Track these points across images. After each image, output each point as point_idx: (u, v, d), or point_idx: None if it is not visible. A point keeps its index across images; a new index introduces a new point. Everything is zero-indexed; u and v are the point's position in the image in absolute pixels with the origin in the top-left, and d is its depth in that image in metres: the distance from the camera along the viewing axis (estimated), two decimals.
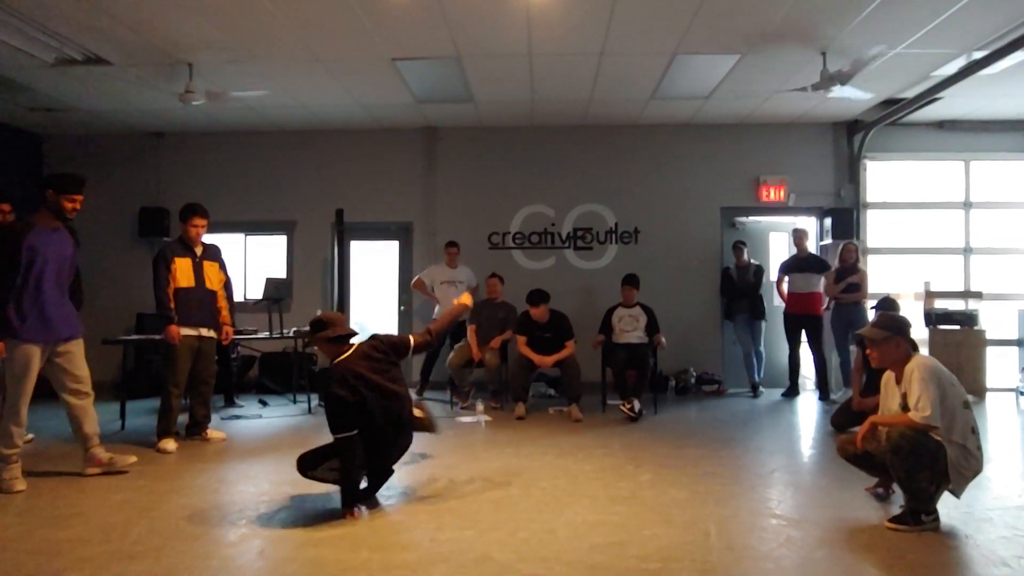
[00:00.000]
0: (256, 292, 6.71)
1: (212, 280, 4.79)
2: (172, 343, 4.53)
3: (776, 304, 7.29)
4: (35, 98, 6.46)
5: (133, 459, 3.99)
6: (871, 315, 6.40)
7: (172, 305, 4.54)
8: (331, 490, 3.63)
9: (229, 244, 6.60)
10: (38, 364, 3.63)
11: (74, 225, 3.87)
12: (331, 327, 3.34)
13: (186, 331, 4.59)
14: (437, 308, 6.79)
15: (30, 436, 4.78)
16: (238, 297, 6.25)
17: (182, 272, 4.62)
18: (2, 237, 3.59)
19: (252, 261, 7.74)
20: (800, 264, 6.78)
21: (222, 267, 4.93)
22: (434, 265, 7.04)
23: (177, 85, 5.69)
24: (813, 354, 6.74)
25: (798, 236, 6.86)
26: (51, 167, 7.81)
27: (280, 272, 7.67)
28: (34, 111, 6.89)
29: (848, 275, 6.56)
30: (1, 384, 3.78)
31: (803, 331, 6.73)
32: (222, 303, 4.86)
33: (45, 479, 3.79)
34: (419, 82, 6.17)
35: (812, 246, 7.14)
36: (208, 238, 4.90)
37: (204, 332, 4.72)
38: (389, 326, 7.81)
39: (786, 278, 6.87)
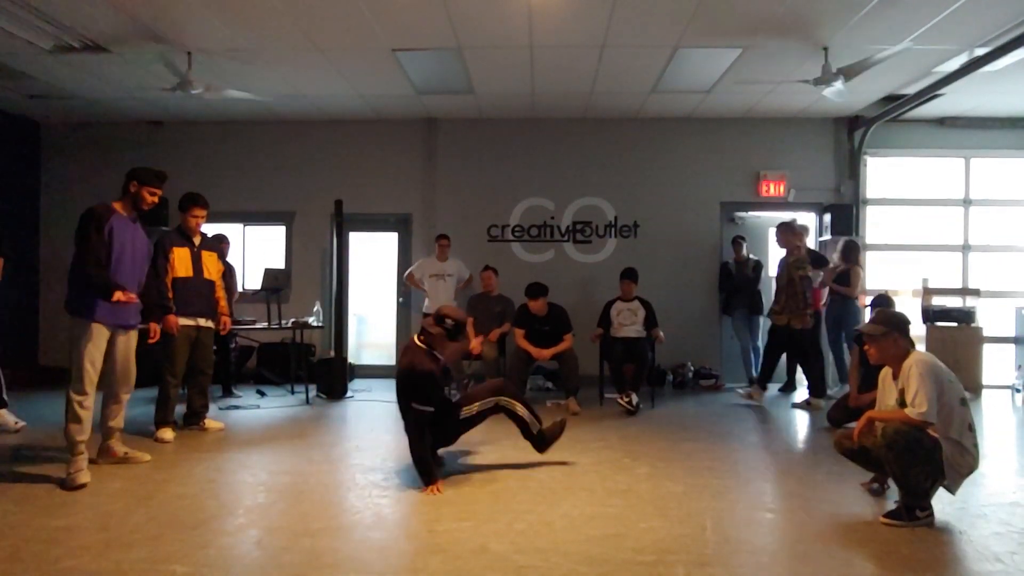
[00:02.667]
0: (255, 282, 6.70)
1: (210, 270, 4.78)
2: (170, 333, 4.53)
3: None
4: (33, 85, 6.42)
5: (147, 457, 3.99)
6: (865, 313, 6.41)
7: (170, 295, 4.53)
8: (329, 481, 3.65)
9: (228, 234, 6.56)
10: (104, 347, 3.67)
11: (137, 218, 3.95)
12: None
13: (184, 321, 4.58)
14: (426, 302, 6.74)
15: (22, 423, 4.80)
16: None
17: (180, 262, 4.61)
18: (87, 218, 3.67)
19: (251, 251, 7.72)
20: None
21: (220, 257, 4.92)
22: (425, 258, 7.01)
23: (176, 74, 5.66)
24: (810, 350, 6.71)
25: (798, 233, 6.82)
26: (49, 155, 7.80)
27: (279, 263, 7.66)
28: (32, 98, 6.86)
29: (844, 279, 6.50)
30: (71, 364, 3.68)
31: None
32: (220, 293, 4.86)
33: (42, 467, 3.79)
34: (419, 73, 6.15)
35: (811, 242, 7.14)
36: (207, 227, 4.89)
37: (202, 322, 4.72)
38: (387, 318, 7.81)
39: None
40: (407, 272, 7.02)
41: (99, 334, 3.62)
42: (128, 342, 3.86)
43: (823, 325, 6.68)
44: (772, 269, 7.26)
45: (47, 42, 5.29)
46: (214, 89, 5.66)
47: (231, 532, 2.85)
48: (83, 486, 3.42)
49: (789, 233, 6.08)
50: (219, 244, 6.23)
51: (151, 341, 4.18)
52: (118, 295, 3.59)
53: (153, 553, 2.60)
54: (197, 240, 4.75)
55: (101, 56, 5.61)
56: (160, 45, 5.39)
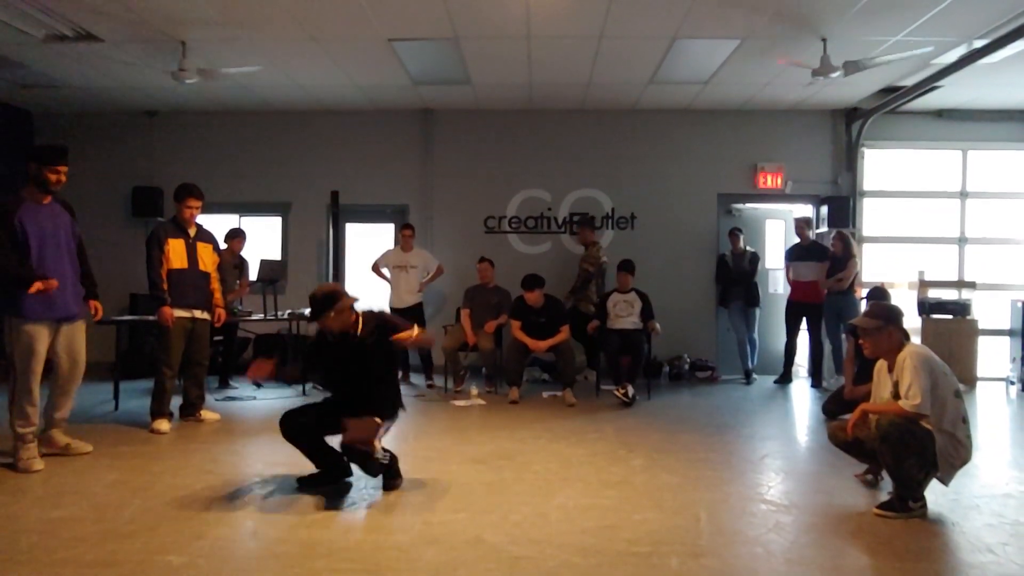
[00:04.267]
0: (251, 274, 6.68)
1: (206, 262, 4.75)
2: (165, 325, 4.51)
3: (771, 291, 7.32)
4: (26, 74, 6.36)
5: (89, 448, 3.91)
6: (862, 305, 6.43)
7: (165, 286, 4.52)
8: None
9: (224, 225, 6.54)
10: (46, 342, 3.59)
11: (63, 197, 3.76)
12: (345, 295, 3.31)
13: (179, 313, 4.56)
14: (390, 293, 6.70)
15: None
16: None
17: (175, 253, 4.58)
18: None
19: (247, 242, 7.69)
20: (803, 252, 6.78)
21: (215, 249, 4.90)
22: (390, 249, 6.90)
23: (170, 63, 5.62)
24: (810, 341, 6.76)
25: (799, 225, 6.86)
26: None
27: (275, 254, 7.64)
28: (25, 88, 6.80)
29: (839, 267, 6.56)
30: (10, 363, 3.66)
31: (804, 319, 6.75)
32: (215, 285, 4.84)
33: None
34: (416, 63, 6.11)
35: (809, 234, 7.14)
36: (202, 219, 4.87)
37: (197, 314, 4.70)
38: (383, 309, 7.79)
39: (790, 267, 6.87)
40: (373, 263, 6.86)
41: (35, 333, 3.52)
42: (73, 333, 3.72)
43: (823, 316, 6.70)
44: (769, 261, 7.28)
45: (39, 31, 5.24)
46: (208, 76, 5.58)
47: (227, 523, 2.86)
48: (38, 471, 3.49)
49: (587, 229, 6.86)
50: (232, 239, 6.27)
51: (96, 319, 3.97)
52: (37, 285, 3.43)
53: (149, 544, 2.60)
54: (192, 231, 4.72)
55: (94, 45, 5.56)
56: (154, 34, 5.34)
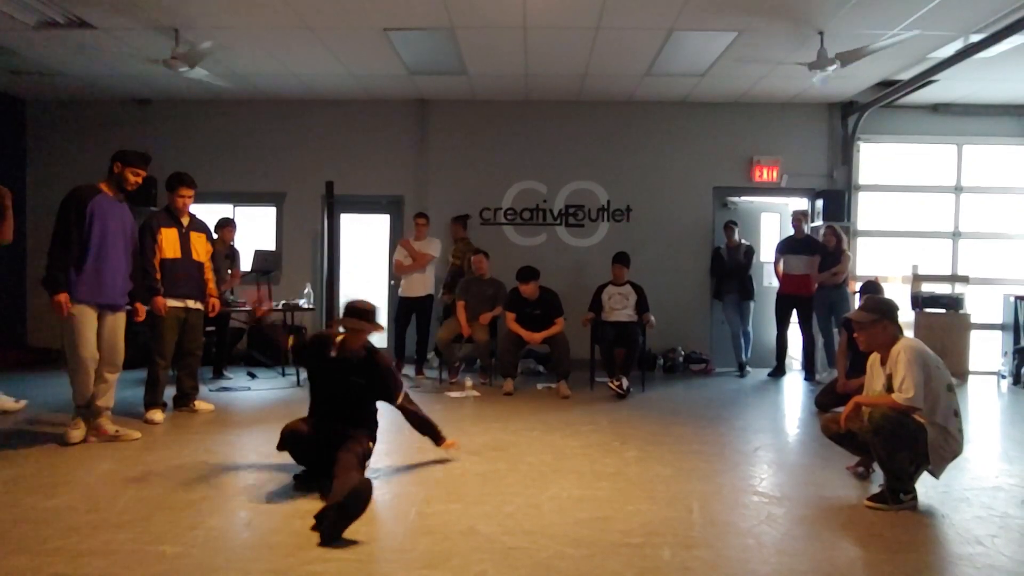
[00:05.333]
0: (245, 264, 6.66)
1: (199, 251, 4.73)
2: (159, 314, 4.49)
3: (766, 285, 7.33)
4: (17, 62, 6.30)
5: (138, 435, 4.05)
6: (855, 299, 6.46)
7: (158, 276, 4.50)
8: None
9: (217, 215, 6.51)
10: (93, 326, 3.77)
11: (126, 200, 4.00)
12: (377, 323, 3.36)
13: (172, 303, 4.55)
14: (402, 283, 6.61)
15: (24, 402, 4.80)
16: None
17: (168, 243, 4.56)
18: (69, 198, 3.71)
19: (241, 233, 7.66)
20: (796, 245, 6.80)
21: (209, 238, 4.88)
22: (402, 242, 6.75)
23: (163, 51, 5.56)
24: (802, 335, 6.79)
25: (796, 218, 6.87)
26: (34, 132, 7.68)
27: (269, 244, 7.61)
28: (16, 75, 6.73)
29: (832, 261, 6.58)
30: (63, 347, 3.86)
31: (794, 311, 6.78)
32: (209, 275, 4.82)
33: (31, 448, 3.77)
34: (411, 53, 6.07)
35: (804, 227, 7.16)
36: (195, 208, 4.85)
37: (191, 304, 4.68)
38: (379, 300, 7.77)
39: (782, 259, 6.89)
40: (394, 261, 6.74)
41: (82, 313, 3.72)
42: (115, 322, 3.91)
43: (816, 309, 6.73)
44: (764, 255, 7.30)
45: (31, 17, 5.18)
46: (199, 57, 5.46)
47: (221, 513, 2.86)
48: (74, 443, 3.77)
49: (458, 225, 6.95)
50: (223, 228, 6.23)
51: (138, 320, 4.20)
52: (61, 298, 3.64)
53: (142, 534, 2.60)
54: (185, 221, 4.69)
55: (86, 32, 5.50)
56: (146, 21, 5.29)
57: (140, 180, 3.91)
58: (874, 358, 3.28)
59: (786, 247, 6.88)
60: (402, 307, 6.64)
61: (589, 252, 7.48)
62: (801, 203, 7.56)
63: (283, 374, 6.50)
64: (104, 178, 3.88)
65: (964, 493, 3.25)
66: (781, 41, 5.59)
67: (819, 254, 6.69)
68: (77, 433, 3.83)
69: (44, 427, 4.25)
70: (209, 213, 5.89)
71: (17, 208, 7.51)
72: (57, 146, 7.58)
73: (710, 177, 7.56)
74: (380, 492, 3.17)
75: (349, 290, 7.72)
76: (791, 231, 6.95)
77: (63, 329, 3.76)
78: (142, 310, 4.23)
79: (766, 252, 7.46)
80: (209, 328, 5.65)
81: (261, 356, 6.90)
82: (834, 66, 5.25)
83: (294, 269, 7.46)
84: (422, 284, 6.61)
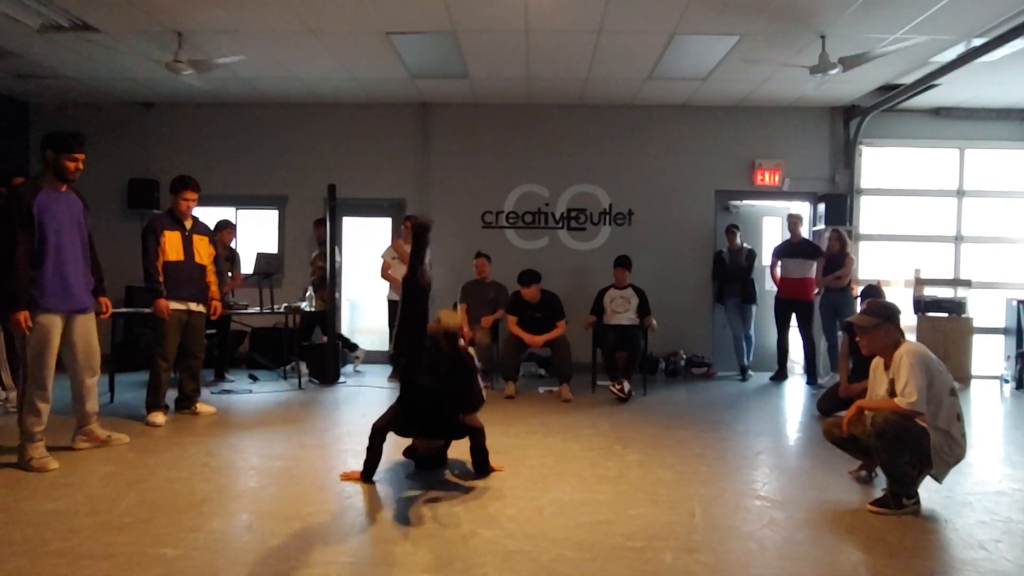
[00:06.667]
0: (247, 267, 6.66)
1: (201, 254, 4.74)
2: (161, 317, 4.50)
3: (768, 288, 7.32)
4: (21, 64, 6.32)
5: (127, 439, 3.98)
6: (858, 302, 6.45)
7: (161, 279, 4.50)
8: (320, 466, 3.65)
9: (219, 218, 6.53)
10: (59, 334, 3.50)
11: (77, 187, 3.67)
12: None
13: (175, 305, 4.55)
14: (390, 287, 6.56)
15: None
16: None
17: (171, 245, 4.57)
18: (9, 200, 3.40)
19: (243, 236, 7.68)
20: (793, 249, 6.79)
21: (212, 242, 4.89)
22: (391, 244, 6.74)
23: (166, 54, 5.58)
24: (802, 339, 6.78)
25: (792, 221, 6.87)
26: (37, 135, 7.65)
27: (271, 247, 7.62)
28: (21, 78, 6.75)
29: (836, 265, 6.58)
30: (22, 358, 3.56)
31: (793, 316, 6.77)
32: (211, 278, 4.82)
33: None
34: (414, 57, 6.08)
35: (805, 231, 7.16)
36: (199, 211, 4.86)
37: (193, 306, 4.68)
38: (380, 303, 7.78)
39: (779, 263, 6.88)
40: (382, 264, 6.67)
41: (49, 324, 3.45)
42: (86, 324, 3.66)
43: (819, 313, 6.71)
44: (766, 258, 7.29)
45: (35, 21, 5.20)
46: (203, 67, 5.52)
47: (222, 516, 2.86)
48: (53, 469, 3.40)
49: (320, 229, 6.83)
50: (221, 230, 6.24)
51: (103, 317, 3.90)
52: (22, 315, 3.32)
53: (143, 536, 2.60)
54: (188, 224, 4.70)
55: (90, 36, 5.52)
56: (150, 25, 5.30)
57: (80, 165, 3.50)
58: (877, 362, 3.27)
59: (783, 251, 6.88)
60: (394, 310, 6.62)
61: (591, 255, 7.48)
62: (796, 207, 7.53)
63: (285, 377, 6.50)
64: (41, 171, 3.52)
65: (967, 498, 3.24)
66: (783, 45, 5.59)
67: (818, 258, 6.68)
68: (51, 460, 3.45)
69: (45, 429, 4.24)
70: (212, 216, 5.91)
71: None
72: None
73: (712, 181, 7.56)
74: (381, 496, 3.17)
75: (351, 293, 7.73)
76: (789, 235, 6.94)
77: (28, 343, 3.42)
78: (107, 305, 3.89)
79: (768, 256, 7.45)
80: (210, 331, 5.65)
81: (263, 359, 6.90)
82: (835, 70, 5.25)
83: (296, 272, 7.46)
84: None
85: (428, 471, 3.54)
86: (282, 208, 7.72)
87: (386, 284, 6.68)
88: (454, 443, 3.70)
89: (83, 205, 3.69)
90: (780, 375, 6.86)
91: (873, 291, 5.18)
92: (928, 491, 3.13)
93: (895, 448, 2.95)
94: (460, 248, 7.12)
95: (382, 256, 6.68)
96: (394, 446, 3.81)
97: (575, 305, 6.39)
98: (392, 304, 6.61)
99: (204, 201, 4.94)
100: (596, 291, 6.32)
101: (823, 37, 5.30)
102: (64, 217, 3.50)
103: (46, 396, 3.48)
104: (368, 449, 3.30)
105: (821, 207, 7.34)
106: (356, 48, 5.88)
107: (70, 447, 3.80)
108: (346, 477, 3.35)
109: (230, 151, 7.62)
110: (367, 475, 3.31)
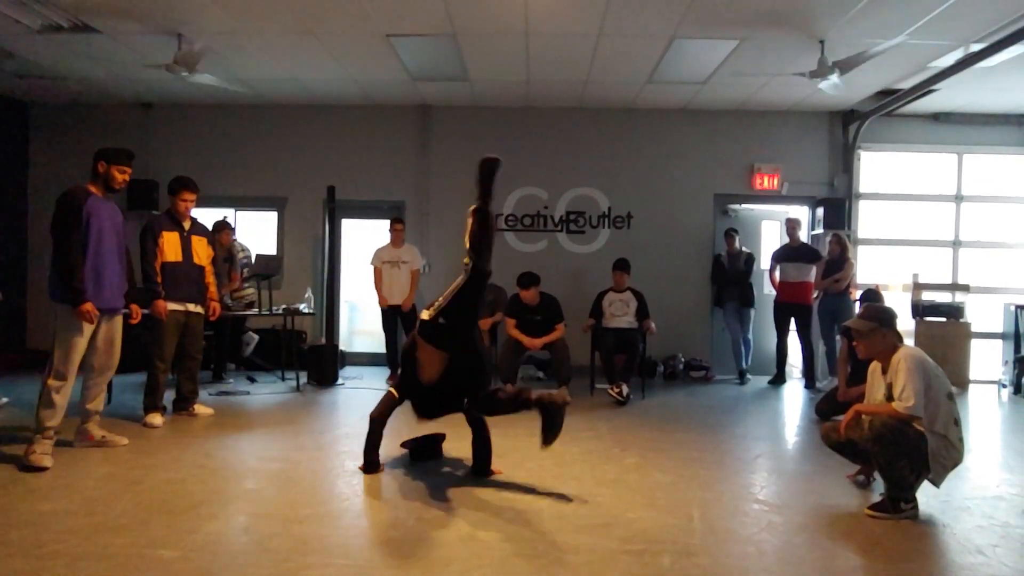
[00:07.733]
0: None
1: (200, 255, 4.74)
2: (159, 318, 4.49)
3: (766, 292, 7.33)
4: (21, 65, 6.32)
5: (125, 441, 3.98)
6: (857, 306, 6.45)
7: (159, 279, 4.50)
8: (318, 468, 3.65)
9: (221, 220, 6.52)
10: (90, 333, 3.67)
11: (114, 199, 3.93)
12: None
13: (173, 306, 4.55)
14: (380, 291, 6.56)
15: (4, 400, 4.80)
16: None
17: (170, 246, 4.57)
18: (64, 202, 3.64)
19: (242, 237, 7.67)
20: (792, 253, 6.80)
21: (210, 243, 4.89)
22: (382, 247, 6.77)
23: (166, 56, 5.58)
24: (801, 343, 6.79)
25: (791, 225, 6.88)
26: (37, 136, 7.70)
27: (271, 249, 7.61)
28: (20, 78, 6.75)
29: (836, 269, 6.60)
30: (51, 352, 3.63)
31: (792, 320, 6.78)
32: (210, 279, 4.82)
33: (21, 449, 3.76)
34: (414, 59, 6.09)
35: (803, 235, 7.17)
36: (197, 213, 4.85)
37: (191, 307, 4.68)
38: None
39: (778, 267, 6.89)
40: (373, 272, 6.66)
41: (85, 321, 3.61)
42: (113, 326, 3.85)
43: (819, 317, 6.72)
44: (764, 262, 7.30)
45: (35, 21, 5.20)
46: (196, 65, 5.49)
47: (219, 518, 2.85)
48: (46, 469, 3.40)
49: (223, 230, 6.41)
50: (219, 231, 6.24)
51: (133, 322, 4.13)
52: (87, 307, 3.54)
53: (140, 538, 2.59)
54: (187, 224, 4.70)
55: (90, 36, 5.52)
56: (150, 26, 5.31)
57: (127, 177, 3.82)
58: (875, 366, 3.27)
59: (782, 255, 6.89)
60: (388, 315, 6.62)
61: (590, 259, 7.48)
62: (795, 211, 7.54)
63: (283, 379, 6.49)
64: (90, 179, 3.78)
65: (965, 502, 3.24)
66: (782, 50, 5.60)
67: (817, 262, 6.69)
68: (48, 458, 3.47)
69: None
70: (210, 217, 5.90)
71: (19, 211, 7.61)
72: (60, 150, 7.59)
73: (711, 184, 7.57)
74: (379, 498, 3.17)
75: (350, 295, 7.72)
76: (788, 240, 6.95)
77: (59, 337, 3.57)
78: (137, 312, 4.15)
79: (766, 260, 7.46)
80: (208, 332, 5.65)
81: (261, 361, 6.89)
82: (834, 75, 5.27)
83: (295, 274, 7.46)
84: (401, 291, 6.59)
85: (423, 463, 3.64)
86: (281, 210, 7.72)
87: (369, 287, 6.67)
88: (454, 442, 3.70)
89: (122, 216, 3.97)
90: (778, 379, 6.86)
91: (872, 295, 5.19)
92: (926, 496, 3.13)
93: (893, 452, 2.95)
94: (459, 250, 7.09)
95: (371, 263, 6.67)
96: (392, 443, 3.80)
97: (574, 308, 6.38)
98: (388, 310, 6.60)
99: (203, 202, 4.94)
100: (595, 294, 6.32)
101: (822, 42, 5.31)
102: (106, 222, 3.76)
103: (64, 389, 3.57)
104: (368, 435, 3.42)
105: (820, 211, 7.35)
106: (356, 50, 5.89)
107: (70, 443, 3.80)
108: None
109: (229, 152, 7.62)
110: (370, 463, 3.44)
